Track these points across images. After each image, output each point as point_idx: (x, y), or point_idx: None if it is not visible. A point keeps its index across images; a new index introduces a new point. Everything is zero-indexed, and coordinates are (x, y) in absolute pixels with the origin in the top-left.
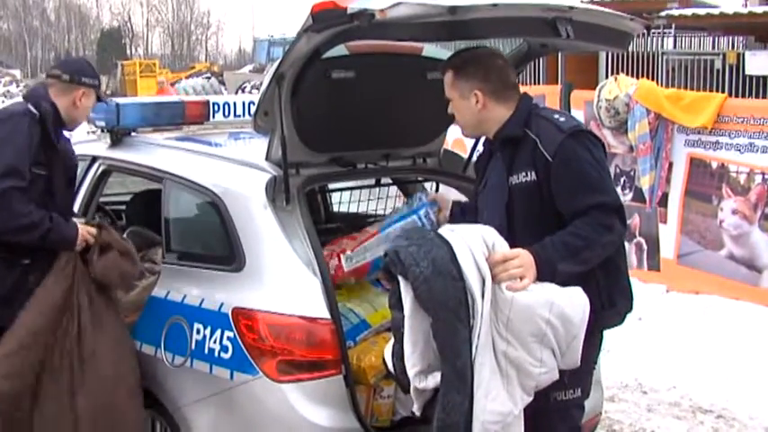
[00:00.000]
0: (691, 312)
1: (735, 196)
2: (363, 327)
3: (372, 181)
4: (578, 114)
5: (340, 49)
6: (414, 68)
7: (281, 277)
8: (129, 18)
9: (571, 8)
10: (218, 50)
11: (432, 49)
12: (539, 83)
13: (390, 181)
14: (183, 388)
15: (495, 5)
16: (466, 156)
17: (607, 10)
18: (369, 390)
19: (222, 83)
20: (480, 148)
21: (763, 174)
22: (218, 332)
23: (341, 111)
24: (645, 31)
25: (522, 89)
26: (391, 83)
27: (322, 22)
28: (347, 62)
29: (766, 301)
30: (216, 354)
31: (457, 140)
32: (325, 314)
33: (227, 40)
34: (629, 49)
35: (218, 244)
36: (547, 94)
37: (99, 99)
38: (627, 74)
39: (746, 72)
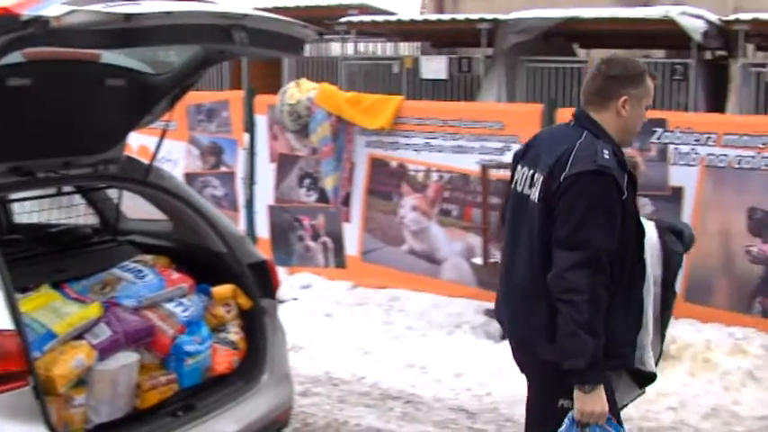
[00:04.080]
0: (377, 306)
1: (413, 194)
2: (50, 337)
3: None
4: (262, 119)
5: (16, 56)
6: (92, 75)
7: None
8: None
9: (245, 16)
10: None
11: (110, 56)
12: (222, 88)
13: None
14: None
15: (168, 13)
16: (148, 162)
17: (280, 17)
18: (60, 400)
19: None
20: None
21: (439, 171)
22: None
23: (18, 119)
24: (317, 36)
25: (205, 95)
26: (70, 90)
27: None
28: (23, 69)
29: (447, 291)
30: None
31: (142, 147)
32: (9, 325)
33: None
34: (313, 54)
35: None
36: (230, 100)
37: None
38: (310, 78)
39: (422, 76)
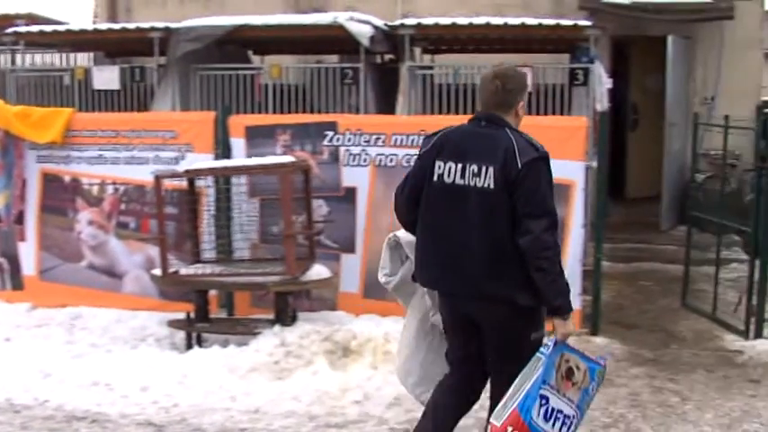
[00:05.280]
0: (58, 326)
1: (89, 207)
2: None
3: None
4: None
5: None
6: None
7: None
8: None
9: None
10: None
11: None
12: None
13: None
14: None
15: None
16: None
17: None
18: None
19: None
20: None
21: (114, 184)
22: None
23: None
24: None
25: None
26: None
27: None
28: None
29: (129, 305)
30: None
31: None
32: None
33: None
34: None
35: None
36: None
37: None
38: None
39: (94, 87)
